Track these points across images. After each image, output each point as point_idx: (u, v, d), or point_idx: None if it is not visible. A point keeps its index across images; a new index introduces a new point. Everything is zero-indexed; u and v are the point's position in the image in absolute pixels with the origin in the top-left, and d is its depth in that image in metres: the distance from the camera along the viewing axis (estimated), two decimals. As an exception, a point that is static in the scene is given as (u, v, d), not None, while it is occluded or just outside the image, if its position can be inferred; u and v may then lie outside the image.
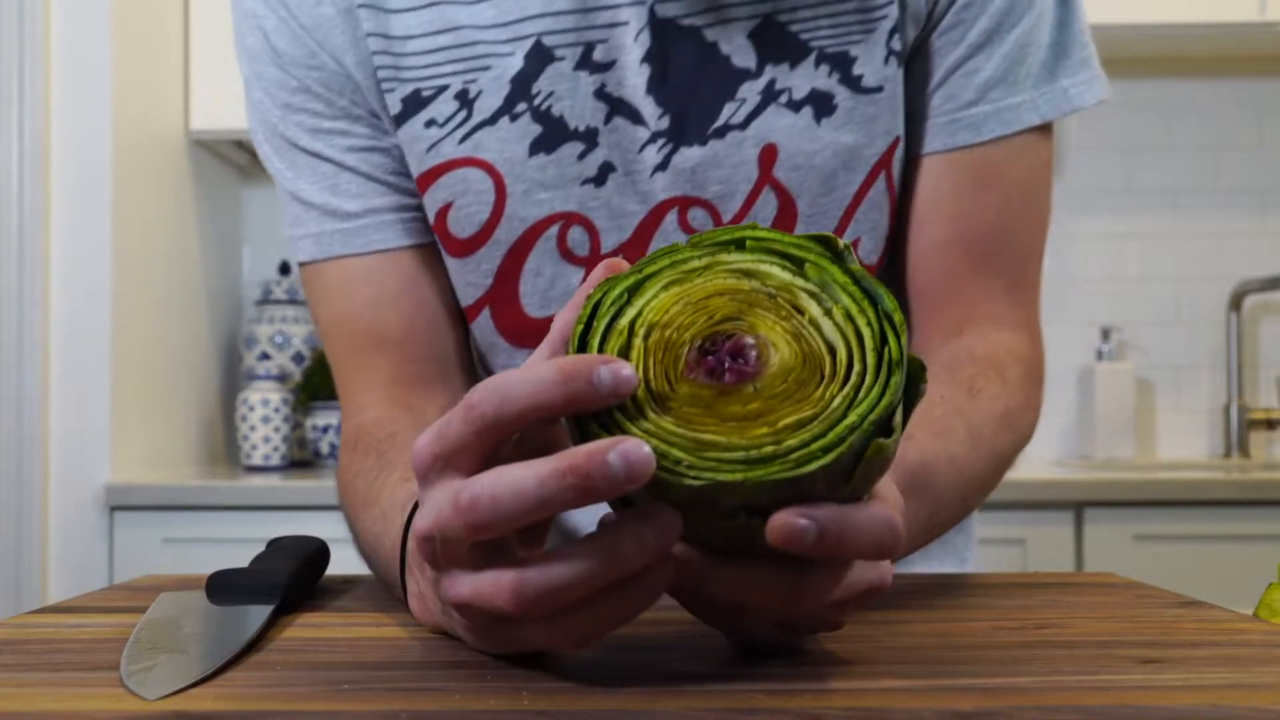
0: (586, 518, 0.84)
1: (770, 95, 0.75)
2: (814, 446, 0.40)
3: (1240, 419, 2.41)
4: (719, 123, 0.75)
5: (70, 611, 0.62)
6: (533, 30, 0.75)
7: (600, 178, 0.76)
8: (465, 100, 0.76)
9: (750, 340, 0.42)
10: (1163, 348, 2.51)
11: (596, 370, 0.40)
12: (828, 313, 0.43)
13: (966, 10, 0.75)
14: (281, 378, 2.22)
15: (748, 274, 0.44)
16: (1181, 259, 2.51)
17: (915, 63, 0.77)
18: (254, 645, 0.52)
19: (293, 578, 0.61)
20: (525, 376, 0.41)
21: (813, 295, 0.43)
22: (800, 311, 0.43)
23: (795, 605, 0.44)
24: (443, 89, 0.76)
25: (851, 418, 0.41)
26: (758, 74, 0.75)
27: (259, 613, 0.56)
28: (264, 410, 2.15)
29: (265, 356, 2.30)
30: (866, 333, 0.42)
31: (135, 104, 1.99)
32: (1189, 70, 2.49)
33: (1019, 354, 0.78)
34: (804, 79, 0.75)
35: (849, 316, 0.43)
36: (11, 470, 1.85)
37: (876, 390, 0.41)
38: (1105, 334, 2.44)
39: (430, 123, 0.77)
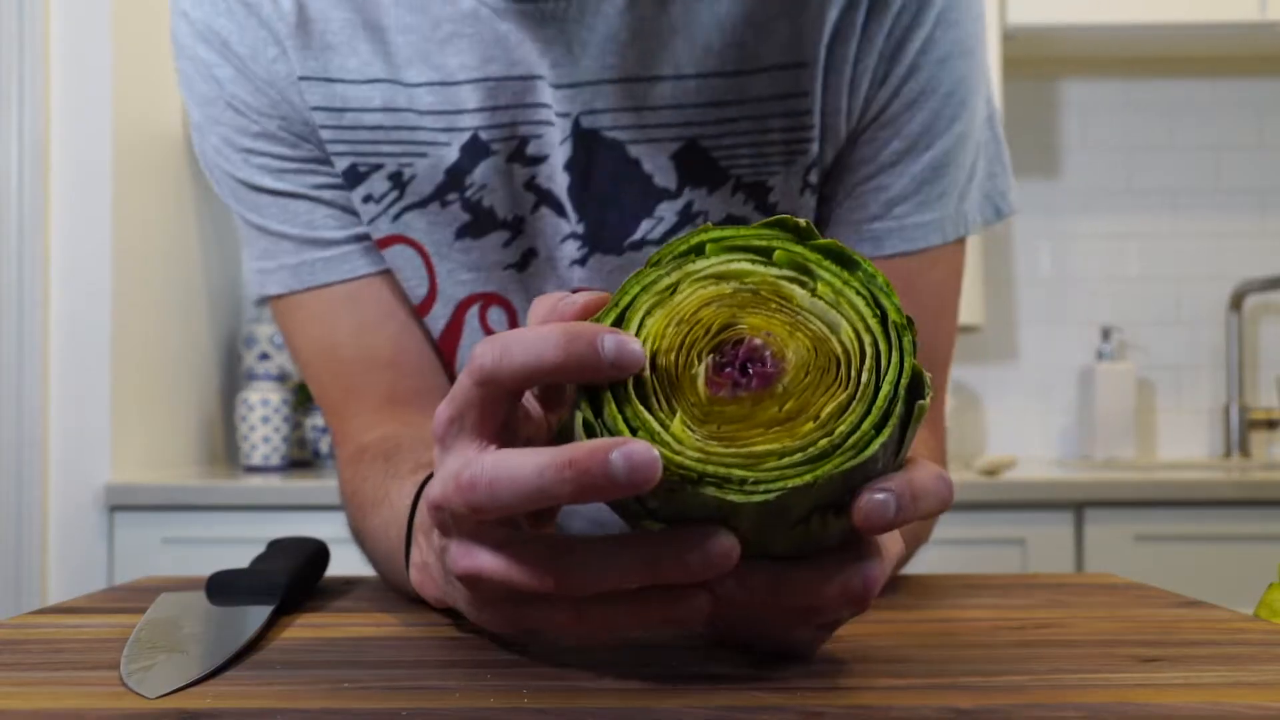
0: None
1: (687, 216, 0.76)
2: (865, 427, 0.40)
3: (1240, 419, 2.41)
4: (635, 237, 0.76)
5: (70, 612, 0.62)
6: (470, 124, 0.74)
7: (523, 263, 0.77)
8: (398, 181, 0.76)
9: (759, 341, 0.41)
10: (1163, 348, 2.51)
11: (601, 336, 0.40)
12: (814, 293, 0.42)
13: (882, 130, 0.75)
14: (281, 378, 2.21)
15: (722, 277, 0.43)
16: (1182, 259, 2.51)
17: (830, 170, 0.77)
18: (254, 645, 0.52)
19: (293, 578, 0.61)
20: (528, 332, 0.41)
21: (793, 280, 0.43)
22: (788, 299, 0.42)
23: (865, 592, 0.43)
24: (377, 167, 0.76)
25: (885, 388, 0.40)
26: (676, 194, 0.75)
27: (259, 613, 0.56)
28: (264, 410, 2.15)
29: (265, 356, 2.30)
30: (859, 302, 0.42)
31: (135, 104, 1.99)
32: (1189, 70, 2.49)
33: (922, 438, 0.78)
34: (720, 203, 0.75)
35: (837, 291, 0.42)
36: (11, 470, 1.85)
37: (895, 355, 0.41)
38: (1105, 334, 2.44)
39: (368, 198, 0.76)
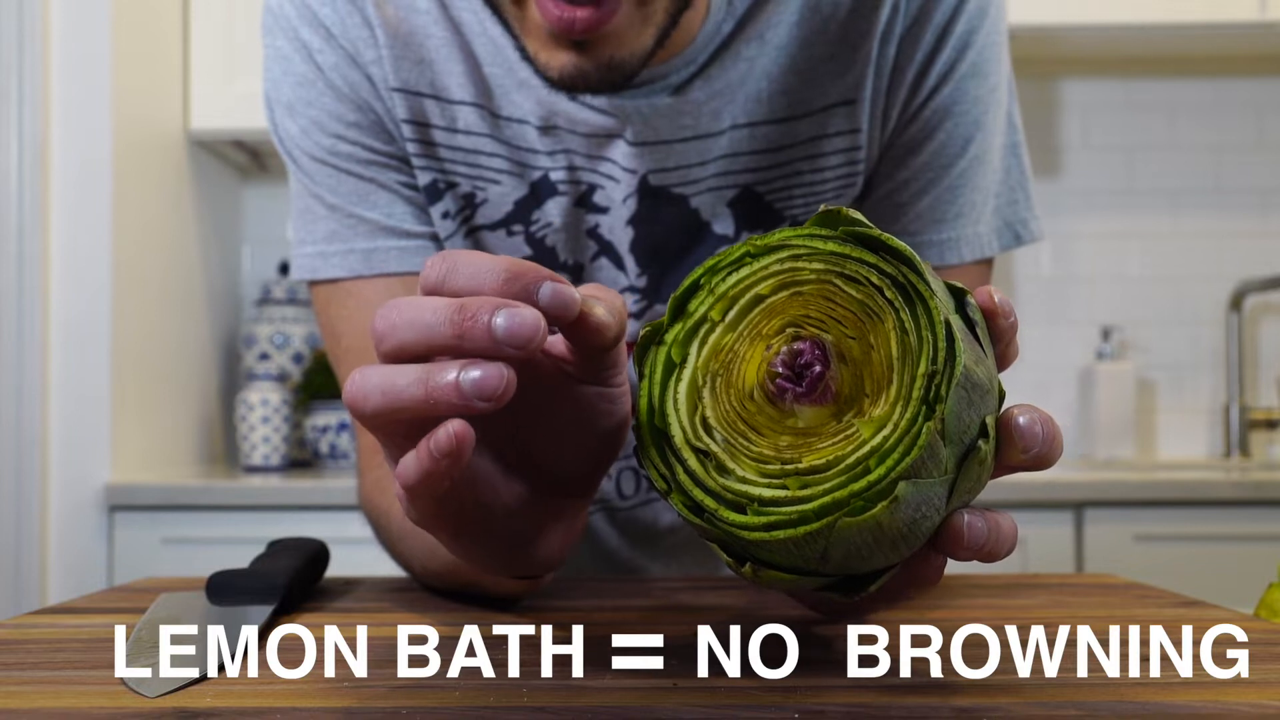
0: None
1: None
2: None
3: (1240, 419, 2.41)
4: None
5: (70, 612, 0.62)
6: (543, 164, 0.76)
7: None
8: (470, 202, 0.78)
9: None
10: (1163, 348, 2.51)
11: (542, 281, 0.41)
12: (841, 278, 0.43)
13: (900, 150, 0.77)
14: (281, 378, 2.21)
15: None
16: (1182, 259, 2.51)
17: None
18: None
19: (293, 578, 0.61)
20: (477, 259, 0.42)
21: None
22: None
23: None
24: (452, 185, 0.77)
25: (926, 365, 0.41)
26: (734, 240, 0.77)
27: (259, 613, 0.56)
28: (263, 410, 2.15)
29: (265, 356, 2.30)
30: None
31: (135, 104, 1.99)
32: (1189, 70, 2.49)
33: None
34: None
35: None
36: (11, 470, 1.85)
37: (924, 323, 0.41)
38: (1105, 334, 2.44)
39: (446, 214, 0.78)
